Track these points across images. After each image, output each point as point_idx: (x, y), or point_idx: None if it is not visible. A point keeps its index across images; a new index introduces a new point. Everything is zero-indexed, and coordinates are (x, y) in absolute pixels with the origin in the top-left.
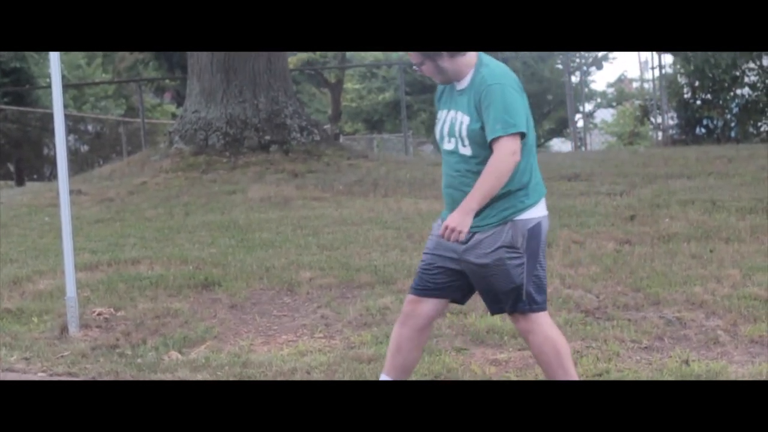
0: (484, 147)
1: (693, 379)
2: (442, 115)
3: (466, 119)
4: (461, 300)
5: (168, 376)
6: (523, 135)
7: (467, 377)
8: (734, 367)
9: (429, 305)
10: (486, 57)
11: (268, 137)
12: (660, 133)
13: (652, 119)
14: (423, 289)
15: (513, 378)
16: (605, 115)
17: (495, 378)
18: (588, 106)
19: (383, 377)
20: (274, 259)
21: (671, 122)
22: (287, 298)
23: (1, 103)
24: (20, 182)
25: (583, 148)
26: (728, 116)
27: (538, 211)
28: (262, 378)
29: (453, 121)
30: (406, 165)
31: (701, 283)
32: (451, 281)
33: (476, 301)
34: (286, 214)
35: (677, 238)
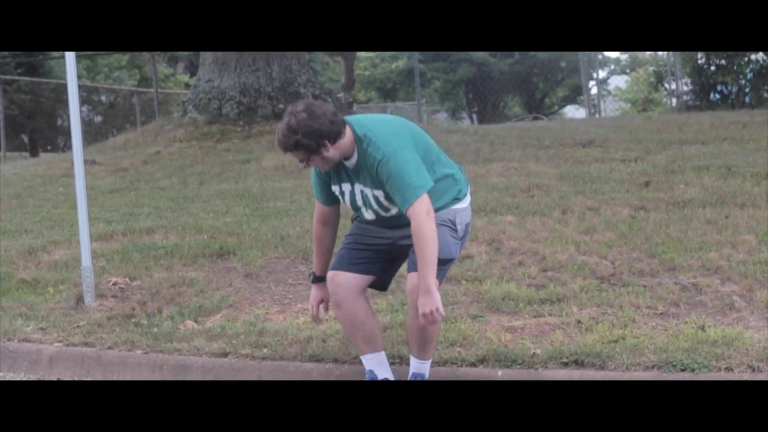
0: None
1: (709, 345)
2: (344, 188)
3: (380, 192)
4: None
5: (184, 346)
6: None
7: (483, 344)
8: (750, 333)
9: (349, 275)
10: (360, 129)
11: (281, 106)
12: (674, 100)
13: (666, 85)
14: (347, 264)
15: (529, 345)
16: (619, 81)
17: (510, 345)
18: (602, 73)
19: (366, 359)
20: (289, 228)
21: (685, 88)
22: (302, 267)
23: (14, 74)
24: (34, 153)
25: (597, 115)
26: (743, 82)
27: (466, 203)
28: (278, 347)
29: (365, 195)
30: None
31: (716, 248)
32: (376, 257)
33: (491, 267)
34: (300, 183)
35: (692, 204)
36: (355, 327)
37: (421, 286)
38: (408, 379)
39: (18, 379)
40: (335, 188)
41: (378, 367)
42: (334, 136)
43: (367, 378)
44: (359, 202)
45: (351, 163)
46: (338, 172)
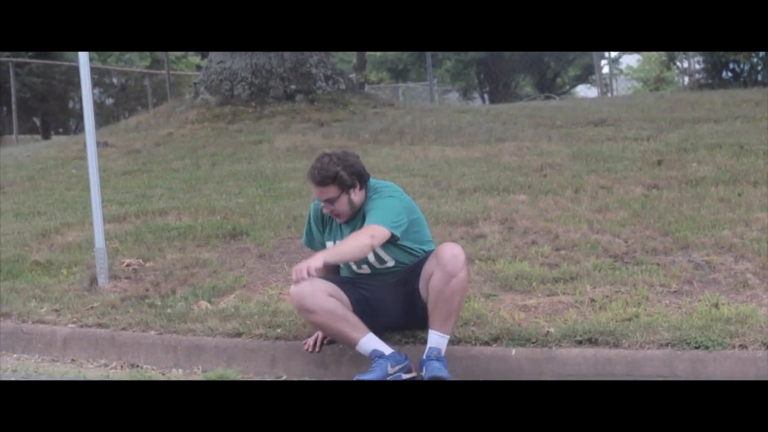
0: (400, 249)
1: (722, 322)
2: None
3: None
4: None
5: (198, 326)
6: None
7: (497, 323)
8: (764, 310)
9: (315, 281)
10: (373, 183)
11: (293, 87)
12: (686, 78)
13: (678, 64)
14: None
15: (542, 323)
16: (630, 60)
17: (524, 324)
18: (613, 52)
19: (363, 342)
20: (302, 208)
21: (697, 66)
22: None
23: (25, 56)
24: (46, 136)
25: (608, 94)
26: (755, 60)
27: None
28: (292, 327)
29: None
30: (432, 113)
31: (730, 226)
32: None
33: (504, 246)
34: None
35: (705, 182)
36: (339, 318)
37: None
38: (425, 354)
39: (33, 360)
40: (329, 244)
41: (378, 344)
42: (365, 180)
43: (373, 357)
44: (353, 263)
45: (351, 225)
46: (335, 227)
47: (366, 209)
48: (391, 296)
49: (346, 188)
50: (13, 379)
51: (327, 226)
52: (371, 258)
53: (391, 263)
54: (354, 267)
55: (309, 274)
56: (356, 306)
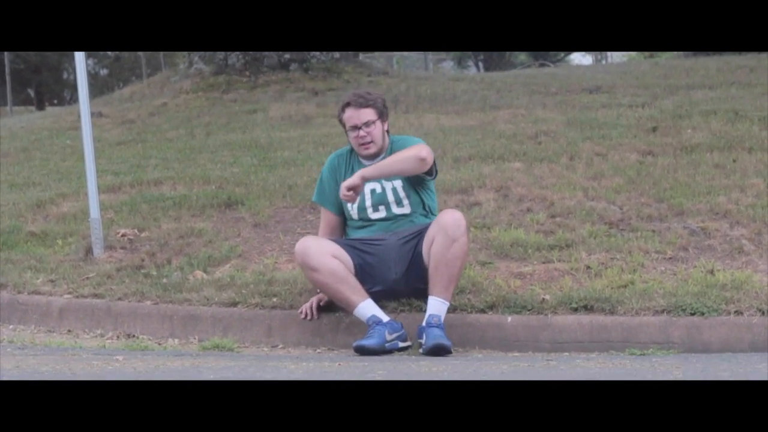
0: (420, 199)
1: (718, 289)
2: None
3: (398, 182)
4: None
5: (193, 296)
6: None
7: (492, 291)
8: (759, 276)
9: (321, 240)
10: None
11: (287, 56)
12: None
13: None
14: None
15: (538, 290)
16: None
17: (520, 291)
18: None
19: (362, 308)
20: (297, 177)
21: None
22: (310, 216)
23: None
24: (41, 107)
25: (603, 62)
26: None
27: None
28: (288, 296)
29: (379, 193)
30: (427, 81)
31: (725, 192)
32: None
33: (500, 214)
34: (307, 132)
35: (700, 149)
36: (340, 280)
37: (359, 172)
38: (425, 321)
39: (29, 331)
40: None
41: (376, 310)
42: (387, 115)
43: (370, 323)
44: (367, 203)
45: (373, 162)
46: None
47: (396, 150)
48: (394, 257)
49: (381, 115)
50: (9, 350)
51: (342, 179)
52: (390, 197)
53: (407, 210)
54: (369, 210)
55: (349, 190)
56: (358, 270)
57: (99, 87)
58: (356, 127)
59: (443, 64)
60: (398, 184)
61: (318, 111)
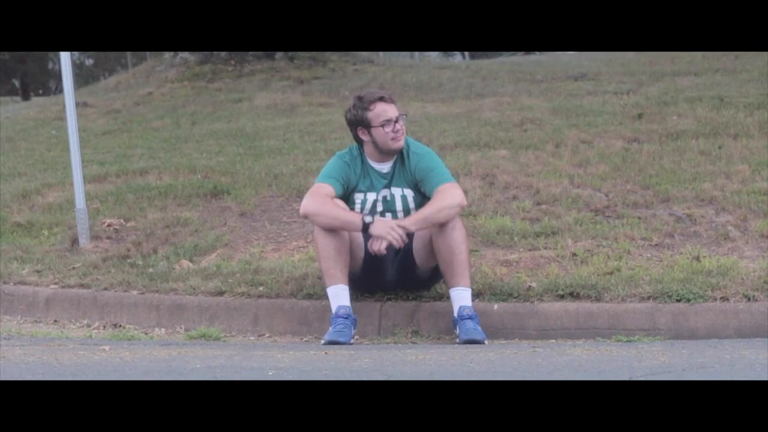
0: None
1: (704, 275)
2: (368, 196)
3: (410, 192)
4: None
5: (180, 285)
6: None
7: (479, 278)
8: (745, 262)
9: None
10: None
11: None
12: None
13: None
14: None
15: (524, 278)
16: None
17: (506, 278)
18: None
19: (338, 289)
20: (282, 166)
21: None
22: (296, 205)
23: None
24: (26, 97)
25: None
26: None
27: None
28: (274, 284)
29: (389, 199)
30: (412, 69)
31: (710, 179)
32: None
33: (486, 201)
34: (292, 121)
35: (685, 135)
36: (340, 254)
37: (399, 222)
38: (456, 312)
39: (15, 321)
40: (359, 195)
41: (347, 300)
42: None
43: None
44: (378, 208)
45: (387, 166)
46: (368, 179)
47: (419, 166)
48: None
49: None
50: None
51: (360, 178)
52: (399, 205)
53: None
54: (377, 216)
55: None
56: (363, 266)
57: (84, 77)
58: (391, 121)
59: (429, 53)
60: (409, 193)
61: (303, 100)
